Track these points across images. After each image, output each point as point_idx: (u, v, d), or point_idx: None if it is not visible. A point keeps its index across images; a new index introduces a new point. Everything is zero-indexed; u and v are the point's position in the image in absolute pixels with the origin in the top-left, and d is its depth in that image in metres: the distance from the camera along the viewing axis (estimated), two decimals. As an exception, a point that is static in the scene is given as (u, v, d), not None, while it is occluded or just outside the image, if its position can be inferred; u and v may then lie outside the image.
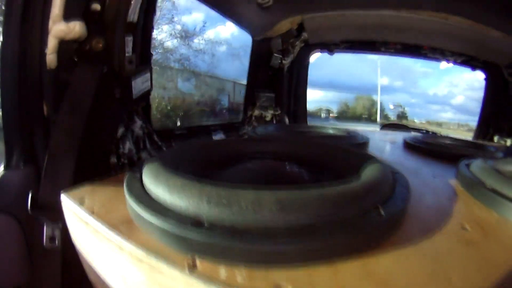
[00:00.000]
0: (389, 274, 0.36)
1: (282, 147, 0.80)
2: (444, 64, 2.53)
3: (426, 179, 0.77)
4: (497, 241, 0.47)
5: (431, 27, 1.90)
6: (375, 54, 2.53)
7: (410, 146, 1.25)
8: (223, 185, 0.42)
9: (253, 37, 1.98)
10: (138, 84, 0.97)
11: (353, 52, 2.53)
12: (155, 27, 1.17)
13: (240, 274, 0.35)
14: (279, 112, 2.07)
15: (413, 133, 1.93)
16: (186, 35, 6.93)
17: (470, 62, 2.49)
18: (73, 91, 0.74)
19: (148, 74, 1.03)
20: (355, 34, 2.14)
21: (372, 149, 1.24)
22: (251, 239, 0.36)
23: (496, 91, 2.56)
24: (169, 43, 9.45)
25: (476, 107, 2.88)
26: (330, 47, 2.28)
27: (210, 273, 0.35)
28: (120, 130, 0.92)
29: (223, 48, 7.25)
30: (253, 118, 2.04)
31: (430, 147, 1.18)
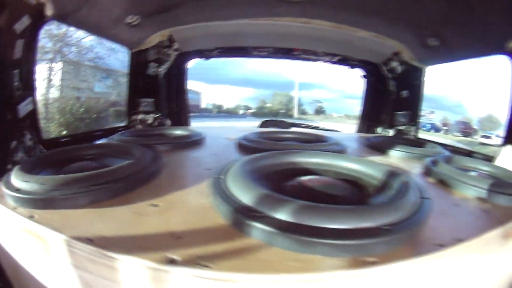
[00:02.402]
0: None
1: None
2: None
3: None
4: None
5: (297, 31, 2.10)
6: (248, 57, 2.70)
7: (240, 145, 1.42)
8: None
9: (130, 49, 2.13)
10: (23, 107, 1.23)
11: (227, 57, 2.70)
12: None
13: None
14: (159, 115, 2.25)
15: (271, 130, 2.08)
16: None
17: (346, 61, 2.72)
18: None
19: (31, 98, 1.28)
20: (224, 41, 2.34)
21: (205, 146, 1.47)
22: None
23: (376, 87, 2.82)
24: (85, 40, 8.93)
25: None
26: (204, 54, 2.48)
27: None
28: (13, 143, 1.19)
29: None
30: (137, 122, 2.21)
31: (251, 144, 1.36)
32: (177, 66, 2.38)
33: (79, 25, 1.73)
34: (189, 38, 2.19)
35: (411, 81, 2.50)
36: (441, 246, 0.60)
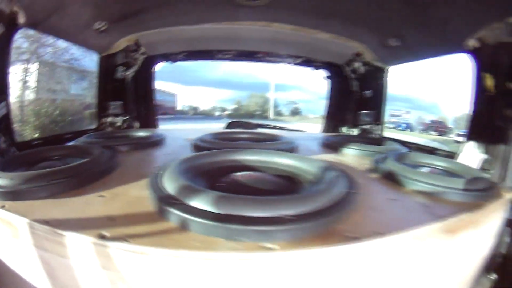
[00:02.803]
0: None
1: None
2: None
3: None
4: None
5: (258, 34, 2.17)
6: (213, 60, 2.78)
7: (195, 145, 1.49)
8: None
9: (98, 54, 2.19)
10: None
11: (193, 60, 2.79)
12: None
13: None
14: (127, 118, 2.32)
15: (228, 130, 2.17)
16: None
17: (309, 63, 2.79)
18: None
19: (4, 102, 1.38)
20: (189, 45, 2.41)
21: (163, 147, 1.56)
22: None
23: (340, 87, 2.90)
24: (61, 42, 8.78)
25: None
26: (170, 57, 2.55)
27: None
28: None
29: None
30: (107, 124, 2.28)
31: (204, 144, 1.43)
32: (145, 70, 2.43)
33: (50, 32, 1.80)
34: (155, 43, 2.25)
35: (374, 81, 2.58)
36: (355, 238, 0.65)
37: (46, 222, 0.68)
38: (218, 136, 1.68)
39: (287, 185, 0.95)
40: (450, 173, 1.30)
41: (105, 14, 1.78)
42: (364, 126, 2.68)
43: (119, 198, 0.83)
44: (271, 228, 0.62)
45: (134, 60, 2.27)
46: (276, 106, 30.33)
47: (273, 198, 0.70)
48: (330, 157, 1.48)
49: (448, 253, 0.84)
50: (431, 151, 2.05)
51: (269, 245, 0.61)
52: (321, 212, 0.69)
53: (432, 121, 25.41)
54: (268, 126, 2.99)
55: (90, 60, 9.20)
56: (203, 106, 30.82)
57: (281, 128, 2.97)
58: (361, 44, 2.34)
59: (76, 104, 9.33)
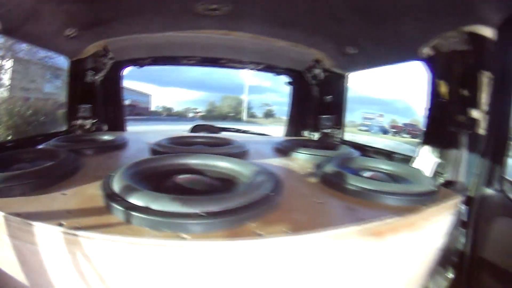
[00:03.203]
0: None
1: None
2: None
3: None
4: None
5: (220, 42, 2.28)
6: (178, 66, 2.93)
7: (151, 149, 1.62)
8: None
9: (69, 59, 2.29)
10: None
11: (159, 65, 2.91)
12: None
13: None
14: (96, 121, 2.41)
15: (186, 135, 2.29)
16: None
17: (271, 69, 2.92)
18: None
19: None
20: (155, 51, 2.53)
21: (124, 150, 1.70)
22: None
23: (301, 93, 3.01)
24: None
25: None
26: (137, 63, 2.67)
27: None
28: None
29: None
30: (76, 127, 2.38)
31: (159, 148, 1.57)
32: (113, 74, 2.53)
33: (23, 38, 1.89)
34: (123, 48, 2.35)
35: (334, 86, 2.70)
36: (259, 235, 0.78)
37: (18, 215, 0.81)
38: (174, 140, 1.81)
39: (222, 186, 1.10)
40: (393, 177, 1.41)
41: (76, 21, 1.87)
42: (325, 130, 2.79)
43: (78, 196, 0.98)
44: (185, 222, 0.77)
45: (103, 65, 2.35)
46: (249, 108, 30.42)
47: (192, 198, 0.85)
48: (278, 161, 1.61)
49: (378, 254, 0.95)
50: (389, 155, 2.15)
51: (183, 235, 0.76)
52: (233, 210, 0.82)
53: (405, 124, 26.00)
54: (232, 130, 3.12)
55: (64, 59, 9.05)
56: (177, 107, 30.64)
57: (244, 132, 3.10)
58: (320, 51, 2.46)
59: (49, 104, 9.17)
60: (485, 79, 1.44)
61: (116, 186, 0.93)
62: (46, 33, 1.84)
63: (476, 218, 1.41)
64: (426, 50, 1.68)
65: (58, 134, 2.24)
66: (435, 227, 1.14)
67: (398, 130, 24.90)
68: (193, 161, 1.26)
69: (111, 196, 0.89)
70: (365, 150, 2.27)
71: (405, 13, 1.57)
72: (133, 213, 0.80)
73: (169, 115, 28.20)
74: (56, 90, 10.24)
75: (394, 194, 1.09)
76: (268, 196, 0.93)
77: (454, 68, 1.56)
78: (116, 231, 0.77)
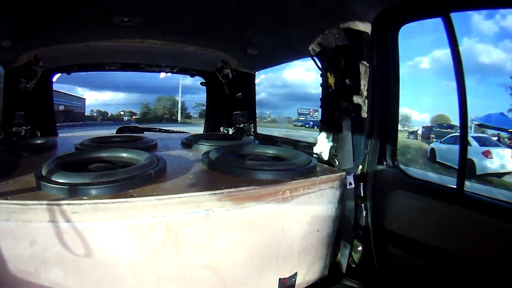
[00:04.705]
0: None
1: None
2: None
3: None
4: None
5: (136, 49, 2.56)
6: (102, 71, 3.20)
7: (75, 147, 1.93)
8: None
9: (4, 68, 2.46)
10: None
11: (85, 71, 3.17)
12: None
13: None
14: (29, 127, 2.58)
15: (107, 135, 2.61)
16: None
17: (186, 71, 3.26)
18: None
19: None
20: (81, 59, 2.78)
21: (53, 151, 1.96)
22: None
23: (215, 92, 3.34)
24: None
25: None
26: (66, 70, 2.90)
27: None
28: None
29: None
30: (12, 134, 2.52)
31: (81, 146, 1.90)
32: (43, 82, 2.72)
33: None
34: (52, 57, 2.56)
35: (244, 84, 3.04)
36: (132, 196, 1.14)
37: None
38: (96, 140, 2.13)
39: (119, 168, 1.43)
40: (276, 159, 1.74)
41: (10, 33, 2.05)
42: (239, 125, 3.12)
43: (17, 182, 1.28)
44: (86, 188, 1.13)
45: (34, 73, 2.54)
46: (184, 109, 30.13)
47: (90, 174, 1.25)
48: (179, 152, 1.97)
49: (239, 218, 1.27)
50: (294, 143, 2.53)
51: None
52: (118, 180, 1.20)
53: None
54: (154, 130, 3.43)
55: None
56: (112, 111, 29.65)
57: (166, 131, 3.42)
58: (226, 53, 2.79)
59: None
60: (364, 69, 1.65)
61: (44, 171, 1.24)
62: None
63: (372, 192, 1.67)
64: (313, 47, 1.91)
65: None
66: (310, 197, 1.45)
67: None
68: (103, 154, 1.62)
69: (40, 178, 1.20)
70: (273, 140, 2.63)
71: (290, 15, 1.79)
72: (56, 187, 1.13)
73: (104, 120, 27.28)
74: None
75: (261, 170, 1.44)
76: (147, 173, 1.29)
77: (337, 61, 1.76)
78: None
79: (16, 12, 1.73)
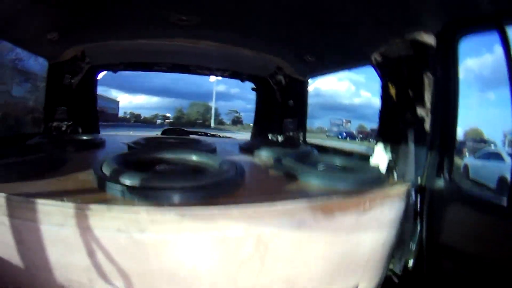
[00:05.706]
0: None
1: None
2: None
3: None
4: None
5: (188, 50, 2.45)
6: (150, 72, 3.11)
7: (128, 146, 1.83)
8: None
9: (48, 62, 2.40)
10: None
11: (132, 71, 3.09)
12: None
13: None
14: (71, 123, 2.52)
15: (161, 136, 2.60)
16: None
17: (237, 75, 3.13)
18: None
19: None
20: (129, 58, 2.70)
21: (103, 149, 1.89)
22: None
23: (266, 98, 3.21)
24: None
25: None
26: (112, 68, 2.82)
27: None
28: None
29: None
30: (53, 128, 2.47)
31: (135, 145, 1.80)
32: (88, 78, 2.66)
33: (7, 39, 2.02)
34: (99, 54, 2.49)
35: (296, 92, 2.90)
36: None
37: (19, 195, 0.92)
38: (151, 140, 2.05)
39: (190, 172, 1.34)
40: (342, 169, 1.65)
41: (57, 26, 1.97)
42: (289, 133, 3.00)
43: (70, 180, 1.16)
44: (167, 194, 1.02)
45: (80, 69, 2.48)
46: (217, 115, 30.51)
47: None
48: (244, 157, 1.86)
49: (329, 229, 1.15)
50: (347, 153, 2.34)
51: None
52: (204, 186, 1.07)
53: (372, 130, 26.85)
54: (200, 133, 3.36)
55: (35, 63, 8.86)
56: (145, 114, 30.29)
57: (212, 135, 3.35)
58: (281, 59, 2.66)
59: (18, 108, 8.91)
60: (428, 81, 1.58)
61: (106, 170, 1.11)
62: (29, 35, 1.95)
63: (428, 206, 1.56)
64: (376, 56, 1.82)
65: (34, 136, 2.31)
66: (383, 209, 1.33)
67: (365, 136, 25.52)
68: (169, 155, 1.49)
69: (103, 177, 1.07)
70: (325, 150, 2.49)
71: (355, 23, 1.71)
72: (125, 189, 0.99)
73: (137, 122, 27.75)
74: (25, 94, 9.94)
75: (343, 180, 1.34)
76: (236, 179, 1.18)
77: (401, 72, 1.70)
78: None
79: (67, 3, 1.64)
